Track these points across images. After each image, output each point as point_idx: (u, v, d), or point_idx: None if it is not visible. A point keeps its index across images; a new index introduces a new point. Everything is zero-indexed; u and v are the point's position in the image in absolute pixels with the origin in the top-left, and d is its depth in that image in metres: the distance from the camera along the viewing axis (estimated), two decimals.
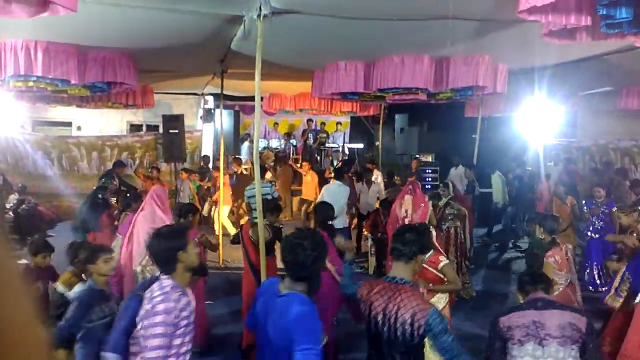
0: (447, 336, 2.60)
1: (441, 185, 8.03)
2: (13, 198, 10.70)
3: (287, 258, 2.59)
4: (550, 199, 8.58)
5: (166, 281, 2.75)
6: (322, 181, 11.20)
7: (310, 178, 11.34)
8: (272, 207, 5.93)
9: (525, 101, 9.87)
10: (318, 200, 8.68)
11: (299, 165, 12.67)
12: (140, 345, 2.66)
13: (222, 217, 9.71)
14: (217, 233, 9.26)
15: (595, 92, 9.91)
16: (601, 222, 7.41)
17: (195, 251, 2.92)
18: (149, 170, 11.20)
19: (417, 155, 14.12)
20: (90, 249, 4.06)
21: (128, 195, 7.29)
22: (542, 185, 9.93)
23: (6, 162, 11.88)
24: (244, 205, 10.18)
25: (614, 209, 6.86)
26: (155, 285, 2.73)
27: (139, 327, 2.65)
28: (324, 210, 5.57)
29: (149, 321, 2.60)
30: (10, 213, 10.27)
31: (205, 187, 11.38)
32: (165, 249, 2.79)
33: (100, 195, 7.52)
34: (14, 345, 0.63)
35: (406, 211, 6.79)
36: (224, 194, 9.92)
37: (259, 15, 4.55)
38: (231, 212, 10.61)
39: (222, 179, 9.40)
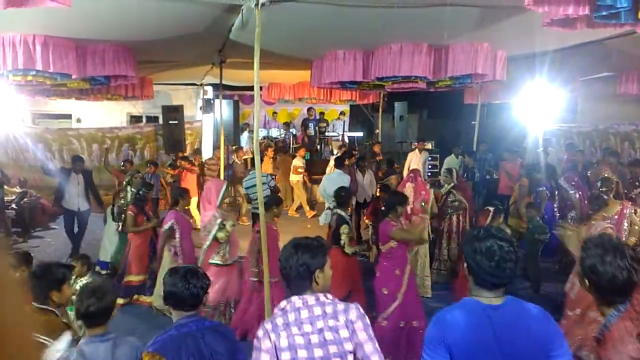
0: None
1: (444, 171, 8.04)
2: (14, 191, 10.74)
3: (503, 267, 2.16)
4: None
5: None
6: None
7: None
8: (344, 198, 6.04)
9: (524, 87, 9.86)
10: (319, 188, 8.72)
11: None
12: None
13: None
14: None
15: (595, 77, 9.89)
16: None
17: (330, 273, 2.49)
18: (122, 164, 10.36)
19: (380, 141, 14.19)
20: None
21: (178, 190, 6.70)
22: (511, 164, 10.08)
23: (7, 156, 11.91)
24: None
25: None
26: (338, 305, 2.34)
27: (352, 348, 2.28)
28: (395, 197, 5.42)
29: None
30: (13, 206, 10.31)
31: (169, 177, 11.03)
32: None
33: (141, 192, 6.97)
34: (6, 344, 0.62)
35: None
36: (190, 185, 9.88)
37: (256, 4, 4.54)
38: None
39: (222, 168, 9.41)
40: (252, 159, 12.25)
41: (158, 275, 6.16)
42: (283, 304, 2.36)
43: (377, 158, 11.84)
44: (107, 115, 14.62)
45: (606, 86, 9.88)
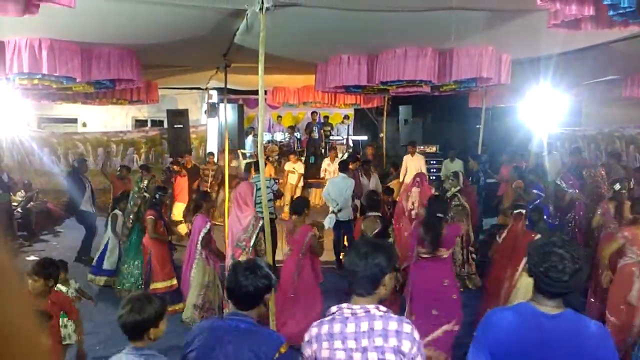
0: None
1: (451, 175, 8.05)
2: (20, 195, 10.78)
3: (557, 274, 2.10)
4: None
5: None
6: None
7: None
8: (374, 202, 6.17)
9: (529, 91, 9.86)
10: (324, 192, 8.71)
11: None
12: None
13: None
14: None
15: (599, 81, 9.86)
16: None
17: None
18: (117, 169, 10.15)
19: (373, 143, 14.35)
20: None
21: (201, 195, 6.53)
22: (507, 167, 10.07)
23: (12, 160, 11.97)
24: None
25: None
26: (390, 322, 2.16)
27: None
28: (438, 204, 5.37)
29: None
30: (19, 209, 10.35)
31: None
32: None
33: (158, 196, 6.88)
34: (11, 346, 0.61)
35: (413, 203, 6.84)
36: (180, 189, 9.84)
37: (261, 9, 4.55)
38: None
39: (226, 172, 9.40)
40: (256, 163, 12.25)
41: (193, 284, 5.92)
42: (334, 309, 2.27)
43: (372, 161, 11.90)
44: (112, 119, 14.68)
45: (611, 89, 9.86)
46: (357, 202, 9.15)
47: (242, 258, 5.55)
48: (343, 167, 8.78)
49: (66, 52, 5.99)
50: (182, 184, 10.36)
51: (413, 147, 11.88)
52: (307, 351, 2.23)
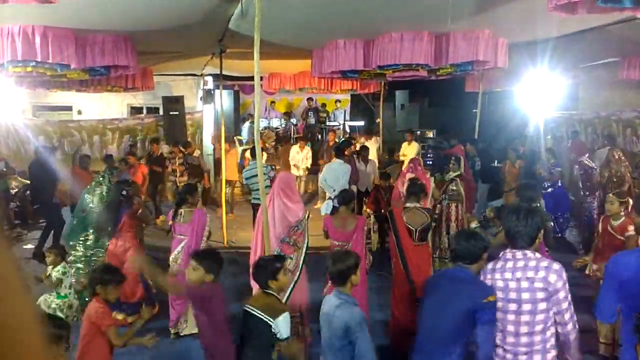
0: None
1: (452, 159, 8.03)
2: (14, 183, 10.71)
3: None
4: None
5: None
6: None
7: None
8: (419, 190, 5.50)
9: (526, 74, 9.82)
10: (320, 178, 8.71)
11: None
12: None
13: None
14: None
15: (597, 64, 9.84)
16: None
17: None
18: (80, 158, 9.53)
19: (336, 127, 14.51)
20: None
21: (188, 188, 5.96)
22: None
23: (8, 148, 11.91)
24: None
25: None
26: (542, 262, 2.87)
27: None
28: (529, 190, 5.14)
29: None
30: (16, 196, 10.31)
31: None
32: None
33: (124, 192, 6.24)
34: (10, 345, 0.61)
35: None
36: (141, 183, 9.05)
37: None
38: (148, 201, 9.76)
39: (223, 160, 9.37)
40: (252, 149, 12.06)
41: None
42: (502, 254, 3.01)
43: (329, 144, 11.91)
44: (107, 106, 14.57)
45: (608, 73, 9.84)
46: (354, 187, 9.17)
47: (294, 254, 5.00)
48: (338, 152, 8.75)
49: (60, 39, 5.93)
50: (140, 177, 9.41)
51: (367, 137, 11.87)
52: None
